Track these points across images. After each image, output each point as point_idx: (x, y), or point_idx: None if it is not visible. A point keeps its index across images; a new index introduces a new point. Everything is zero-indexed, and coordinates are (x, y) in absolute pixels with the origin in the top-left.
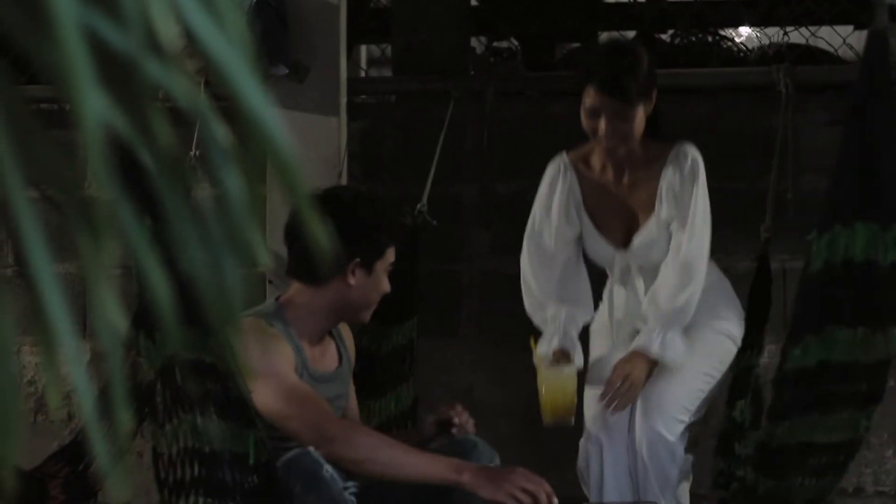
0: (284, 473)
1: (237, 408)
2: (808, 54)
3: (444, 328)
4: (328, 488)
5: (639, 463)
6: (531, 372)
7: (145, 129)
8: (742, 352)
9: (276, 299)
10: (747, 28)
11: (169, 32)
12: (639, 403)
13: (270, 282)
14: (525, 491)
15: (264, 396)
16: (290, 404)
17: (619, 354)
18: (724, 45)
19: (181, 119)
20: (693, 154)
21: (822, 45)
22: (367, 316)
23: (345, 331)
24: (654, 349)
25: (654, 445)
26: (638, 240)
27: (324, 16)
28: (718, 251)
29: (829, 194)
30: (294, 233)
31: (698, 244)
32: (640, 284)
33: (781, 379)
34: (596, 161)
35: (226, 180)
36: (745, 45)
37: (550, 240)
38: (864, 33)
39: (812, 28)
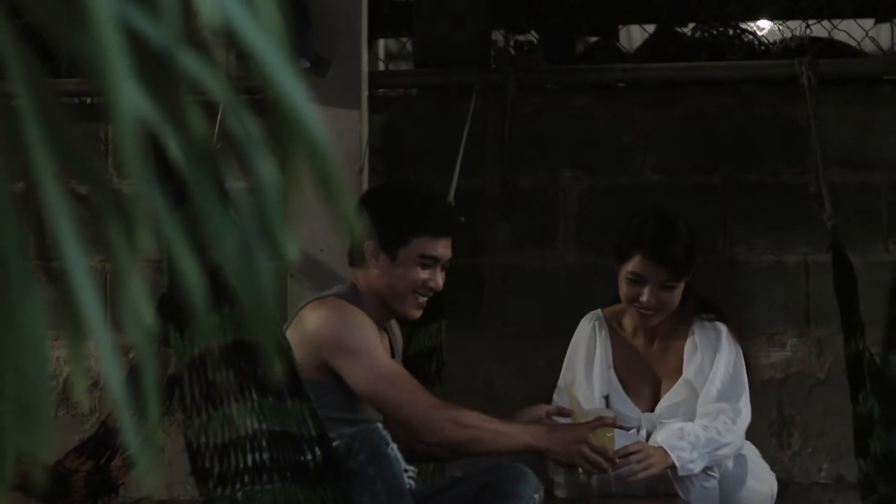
0: (349, 444)
1: (286, 384)
2: (831, 47)
3: (466, 321)
4: (390, 465)
5: None
6: (552, 364)
7: (178, 120)
8: (846, 341)
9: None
10: (769, 21)
11: (211, 22)
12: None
13: (292, 275)
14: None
15: (362, 377)
16: (393, 387)
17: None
18: (746, 38)
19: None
20: (717, 324)
21: (843, 38)
22: (409, 310)
23: (395, 327)
24: (685, 463)
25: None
26: (664, 403)
27: (346, 9)
28: (740, 244)
29: None
30: None
31: (731, 402)
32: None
33: (885, 387)
34: (628, 323)
35: (258, 172)
36: (766, 38)
37: (587, 395)
38: (884, 26)
39: (834, 21)
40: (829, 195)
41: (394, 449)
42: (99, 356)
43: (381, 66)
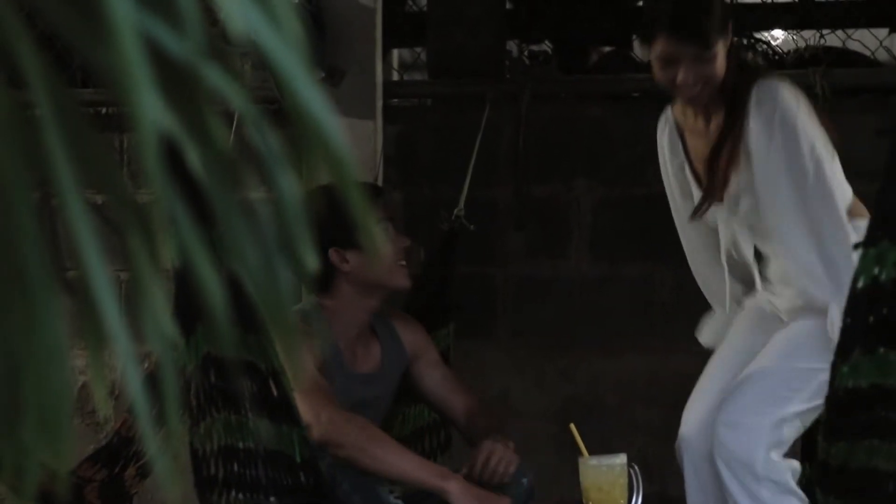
0: (331, 472)
1: (279, 407)
2: (844, 57)
3: (479, 331)
4: (374, 489)
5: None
6: (566, 375)
7: (200, 132)
8: None
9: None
10: (783, 31)
11: (235, 34)
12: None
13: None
14: None
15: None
16: (299, 394)
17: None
18: (760, 48)
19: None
20: (776, 97)
21: (858, 47)
22: (400, 281)
23: (403, 327)
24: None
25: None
26: (728, 194)
27: (360, 19)
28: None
29: (876, 207)
30: None
31: (816, 204)
32: (747, 247)
33: (833, 396)
34: (689, 110)
35: (279, 183)
36: (780, 48)
37: (679, 209)
38: None
39: (848, 31)
40: None
41: None
42: (119, 364)
43: (396, 77)
